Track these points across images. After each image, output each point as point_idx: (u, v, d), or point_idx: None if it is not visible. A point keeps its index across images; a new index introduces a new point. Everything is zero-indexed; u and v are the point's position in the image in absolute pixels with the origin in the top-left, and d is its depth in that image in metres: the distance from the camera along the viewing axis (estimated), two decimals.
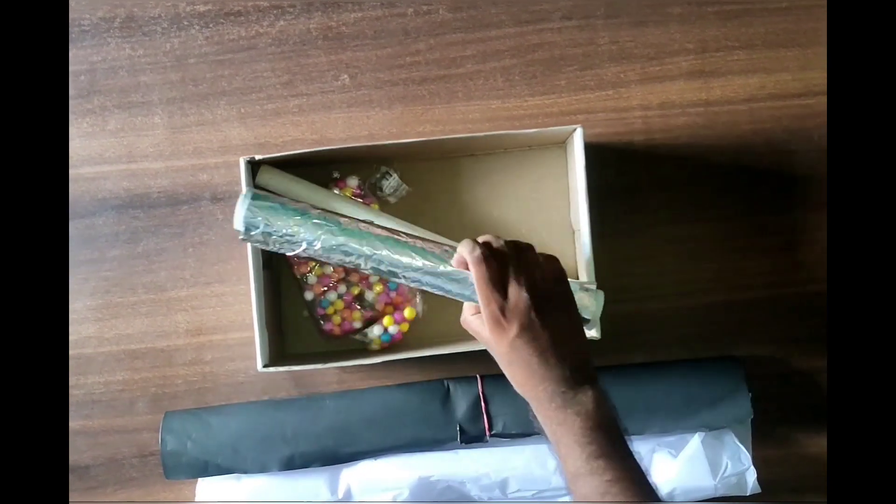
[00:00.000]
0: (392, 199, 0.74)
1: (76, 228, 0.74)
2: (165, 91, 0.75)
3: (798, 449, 0.78)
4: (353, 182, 0.73)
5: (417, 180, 0.74)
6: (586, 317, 0.61)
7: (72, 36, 0.74)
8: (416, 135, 0.75)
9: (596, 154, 0.71)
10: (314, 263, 0.72)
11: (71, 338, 0.74)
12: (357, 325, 0.73)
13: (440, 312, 0.74)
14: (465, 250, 0.55)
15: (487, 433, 0.71)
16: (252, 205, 0.59)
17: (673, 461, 0.72)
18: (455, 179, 0.75)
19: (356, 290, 0.73)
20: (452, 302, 0.60)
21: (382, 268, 0.60)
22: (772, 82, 0.76)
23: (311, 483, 0.73)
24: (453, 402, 0.72)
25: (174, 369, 0.75)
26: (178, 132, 0.75)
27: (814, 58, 0.75)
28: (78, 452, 0.75)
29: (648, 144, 0.75)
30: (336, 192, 0.72)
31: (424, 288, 0.60)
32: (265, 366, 0.66)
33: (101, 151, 0.75)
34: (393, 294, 0.73)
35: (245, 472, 0.72)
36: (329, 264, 0.70)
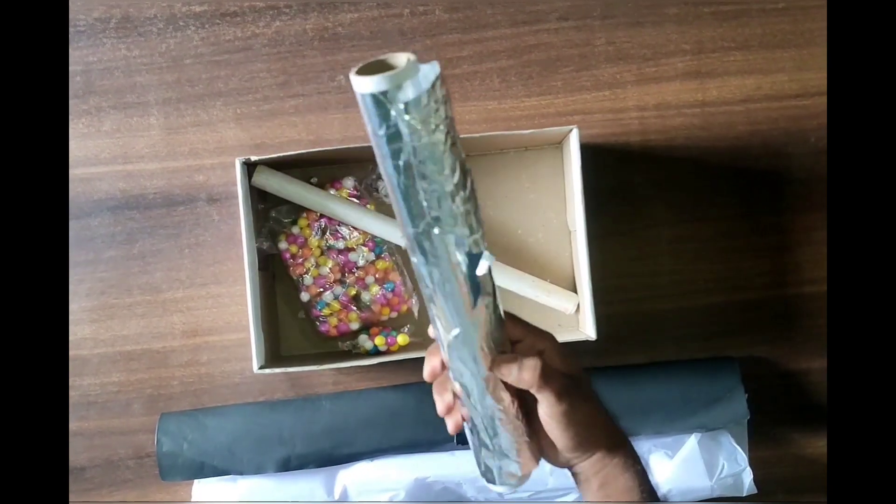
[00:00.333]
0: (388, 200, 0.74)
1: (72, 229, 0.74)
2: (161, 92, 0.74)
3: (795, 449, 0.78)
4: (349, 183, 0.73)
5: None
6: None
7: None
8: None
9: (592, 155, 0.71)
10: (310, 265, 0.72)
11: None
12: (354, 326, 0.73)
13: None
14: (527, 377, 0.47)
15: None
16: None
17: (669, 462, 0.72)
18: None
19: (352, 292, 0.73)
20: None
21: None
22: (768, 83, 0.76)
23: (308, 484, 0.73)
24: None
25: (170, 371, 0.75)
26: (174, 133, 0.75)
27: (810, 59, 0.75)
28: (74, 454, 0.75)
29: (644, 145, 0.75)
30: (332, 192, 0.72)
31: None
32: (261, 367, 0.66)
33: (97, 152, 0.75)
34: (389, 295, 0.73)
35: (241, 473, 0.72)
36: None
